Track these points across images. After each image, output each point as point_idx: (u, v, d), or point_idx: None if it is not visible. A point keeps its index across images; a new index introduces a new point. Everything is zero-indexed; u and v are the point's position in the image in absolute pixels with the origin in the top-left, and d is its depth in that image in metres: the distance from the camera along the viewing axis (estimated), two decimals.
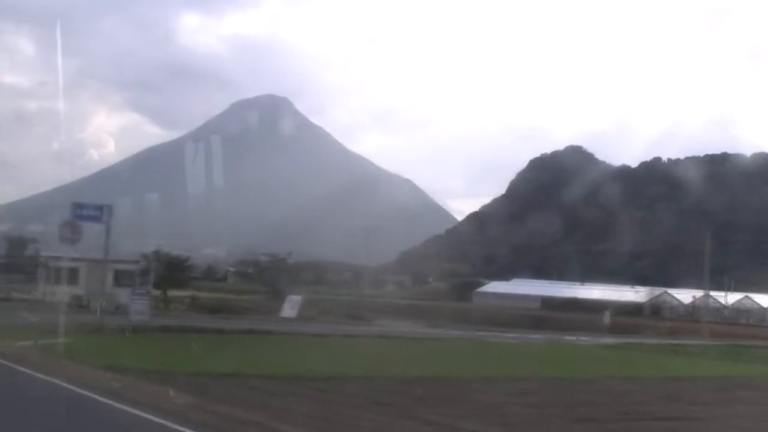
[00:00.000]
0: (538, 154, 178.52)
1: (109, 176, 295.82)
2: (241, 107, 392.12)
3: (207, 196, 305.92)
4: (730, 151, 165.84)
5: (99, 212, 29.79)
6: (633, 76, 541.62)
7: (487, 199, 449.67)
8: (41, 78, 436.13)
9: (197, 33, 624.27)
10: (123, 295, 36.07)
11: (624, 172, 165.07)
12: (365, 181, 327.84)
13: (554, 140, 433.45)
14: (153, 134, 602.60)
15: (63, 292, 35.54)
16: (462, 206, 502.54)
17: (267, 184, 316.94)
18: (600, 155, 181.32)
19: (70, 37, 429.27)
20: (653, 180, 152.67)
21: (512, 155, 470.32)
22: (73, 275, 40.88)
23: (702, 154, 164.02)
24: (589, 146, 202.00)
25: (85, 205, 30.63)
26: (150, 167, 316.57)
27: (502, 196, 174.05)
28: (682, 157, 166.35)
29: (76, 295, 38.81)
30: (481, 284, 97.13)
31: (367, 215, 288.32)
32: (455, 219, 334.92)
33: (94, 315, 30.01)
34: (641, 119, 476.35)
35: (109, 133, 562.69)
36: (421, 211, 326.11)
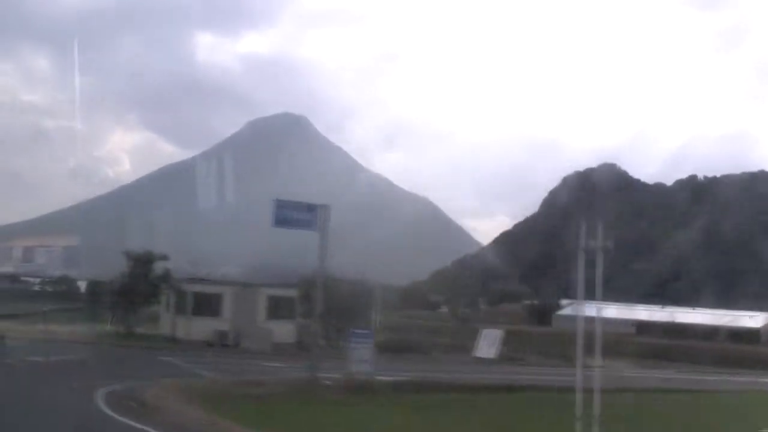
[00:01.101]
0: (556, 173, 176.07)
1: (124, 194, 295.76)
2: (258, 125, 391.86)
3: (222, 214, 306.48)
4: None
5: (309, 214, 21.91)
6: (659, 90, 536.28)
7: (503, 218, 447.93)
8: (58, 96, 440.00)
9: (213, 52, 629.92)
10: (280, 329, 29.83)
11: (660, 190, 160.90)
12: (382, 199, 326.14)
13: (572, 158, 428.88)
14: (168, 152, 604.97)
15: (203, 326, 28.89)
16: (476, 224, 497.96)
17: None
18: (634, 172, 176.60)
19: (87, 56, 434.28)
20: (690, 197, 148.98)
21: (529, 174, 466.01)
22: (214, 303, 31.73)
23: (739, 171, 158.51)
24: (615, 161, 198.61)
25: (289, 204, 21.84)
26: (165, 185, 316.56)
27: (536, 214, 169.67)
28: (718, 174, 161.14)
29: (219, 331, 30.09)
30: (558, 307, 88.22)
31: (384, 234, 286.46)
32: (470, 237, 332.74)
33: (250, 355, 24.32)
34: (671, 134, 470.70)
35: (124, 151, 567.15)
36: (437, 230, 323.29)
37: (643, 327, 70.07)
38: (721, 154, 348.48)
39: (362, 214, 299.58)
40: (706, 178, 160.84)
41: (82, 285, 67.99)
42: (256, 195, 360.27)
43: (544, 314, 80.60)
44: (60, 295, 60.48)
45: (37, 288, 70.72)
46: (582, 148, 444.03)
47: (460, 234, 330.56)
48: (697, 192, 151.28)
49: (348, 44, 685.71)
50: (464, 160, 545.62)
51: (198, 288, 31.52)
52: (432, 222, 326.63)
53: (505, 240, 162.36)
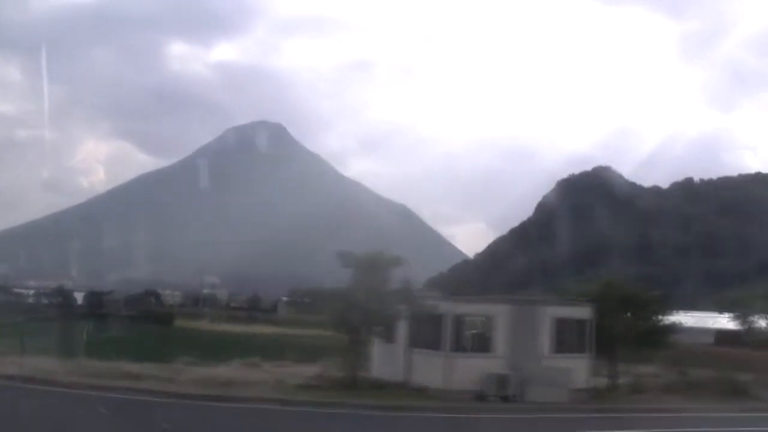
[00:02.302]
0: (532, 180, 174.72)
1: (99, 204, 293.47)
2: (235, 133, 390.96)
3: (199, 222, 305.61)
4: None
5: None
6: (629, 96, 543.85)
7: (480, 225, 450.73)
8: (30, 106, 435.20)
9: (186, 61, 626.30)
10: (574, 367, 19.63)
11: (657, 193, 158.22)
12: (359, 205, 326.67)
13: (548, 166, 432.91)
14: (142, 162, 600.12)
15: (466, 368, 18.90)
16: (452, 231, 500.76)
17: (262, 210, 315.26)
18: (630, 176, 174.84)
19: (59, 66, 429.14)
20: (687, 201, 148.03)
21: (506, 181, 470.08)
22: (483, 334, 21.09)
23: (736, 174, 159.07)
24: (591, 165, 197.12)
25: None
26: (141, 195, 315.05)
27: (530, 219, 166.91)
28: (714, 177, 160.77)
29: (495, 375, 19.25)
30: None
31: (361, 239, 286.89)
32: (448, 242, 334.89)
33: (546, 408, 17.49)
34: (646, 138, 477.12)
35: (98, 161, 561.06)
36: (414, 236, 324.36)
37: (722, 336, 58.75)
38: (699, 155, 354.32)
39: (339, 218, 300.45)
40: (702, 180, 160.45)
41: (79, 296, 68.39)
42: (233, 202, 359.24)
43: None
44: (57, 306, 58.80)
45: (31, 300, 69.52)
46: (558, 155, 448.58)
47: (436, 240, 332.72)
48: (694, 194, 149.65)
49: (322, 52, 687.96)
50: (439, 168, 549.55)
51: (461, 309, 20.83)
52: (409, 228, 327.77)
53: (498, 247, 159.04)
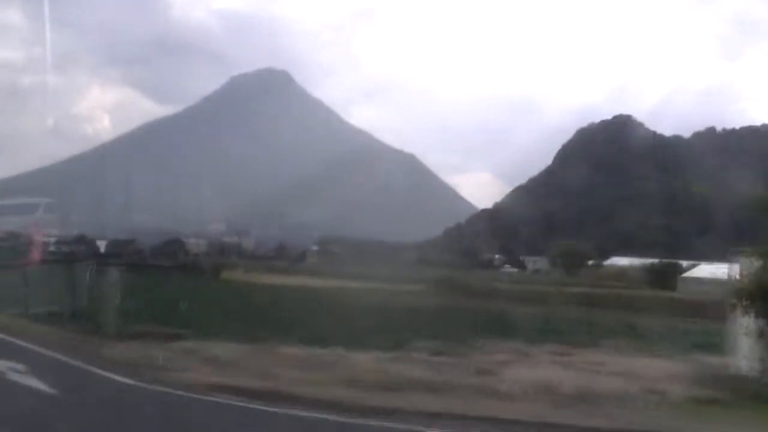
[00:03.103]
0: (535, 131, 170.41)
1: (104, 152, 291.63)
2: (240, 81, 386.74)
3: (204, 170, 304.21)
4: None
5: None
6: (634, 48, 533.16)
7: (485, 175, 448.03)
8: (34, 52, 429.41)
9: (189, 7, 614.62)
10: None
11: (678, 143, 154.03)
12: (367, 155, 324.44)
13: (552, 112, 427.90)
14: (148, 109, 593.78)
15: None
16: (457, 180, 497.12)
17: (266, 158, 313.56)
18: (649, 124, 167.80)
19: (62, 11, 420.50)
20: (711, 151, 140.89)
21: (509, 131, 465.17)
22: None
23: (759, 123, 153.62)
24: (597, 117, 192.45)
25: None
26: (147, 142, 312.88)
27: (547, 169, 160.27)
28: (737, 126, 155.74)
29: None
30: (682, 268, 72.10)
31: (368, 189, 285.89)
32: (456, 193, 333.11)
33: None
34: (650, 90, 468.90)
35: (103, 109, 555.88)
36: (421, 186, 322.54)
37: None
38: (702, 108, 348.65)
39: (344, 167, 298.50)
40: (725, 130, 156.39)
41: (101, 245, 66.28)
42: (238, 150, 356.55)
43: (666, 276, 67.59)
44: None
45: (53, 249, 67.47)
46: (564, 106, 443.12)
47: (443, 190, 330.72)
48: (718, 144, 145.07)
49: (324, 1, 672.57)
50: (443, 118, 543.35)
51: None
52: (416, 178, 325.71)
53: (520, 195, 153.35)
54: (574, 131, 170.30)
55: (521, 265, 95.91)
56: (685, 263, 74.09)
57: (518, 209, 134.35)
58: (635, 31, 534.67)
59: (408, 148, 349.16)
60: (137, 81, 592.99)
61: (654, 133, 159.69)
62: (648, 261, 72.21)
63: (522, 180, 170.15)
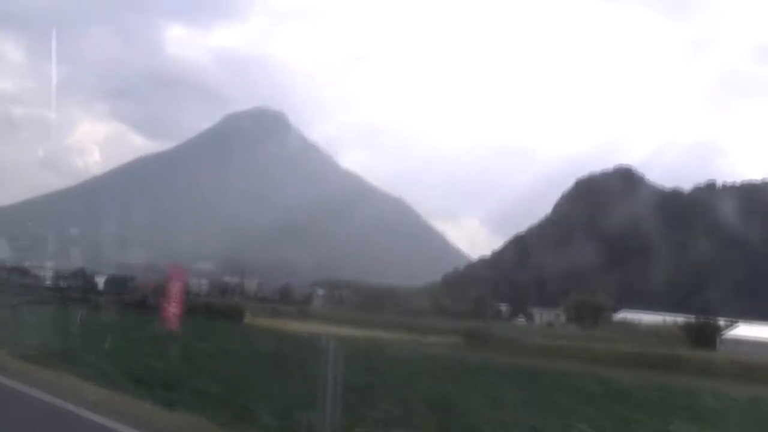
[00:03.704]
0: (526, 178, 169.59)
1: (95, 185, 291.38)
2: (235, 119, 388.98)
3: (195, 208, 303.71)
4: None
5: None
6: (626, 98, 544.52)
7: (472, 222, 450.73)
8: (28, 84, 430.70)
9: (184, 45, 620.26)
10: None
11: (676, 198, 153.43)
12: (356, 197, 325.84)
13: (542, 161, 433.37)
14: (139, 145, 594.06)
15: None
16: (445, 227, 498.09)
17: (258, 198, 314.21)
18: (652, 177, 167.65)
19: (57, 44, 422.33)
20: (709, 206, 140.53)
21: (498, 178, 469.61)
22: None
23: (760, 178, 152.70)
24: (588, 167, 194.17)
25: None
26: (137, 177, 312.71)
27: (547, 219, 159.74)
28: (738, 181, 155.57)
29: None
30: (721, 327, 67.34)
31: (356, 232, 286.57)
32: (443, 238, 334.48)
33: None
34: (639, 143, 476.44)
35: (94, 142, 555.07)
36: (410, 230, 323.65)
37: None
38: (690, 161, 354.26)
39: (333, 209, 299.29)
40: (725, 184, 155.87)
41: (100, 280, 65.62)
42: (229, 189, 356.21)
43: (705, 336, 61.63)
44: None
45: (49, 283, 65.81)
46: (554, 155, 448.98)
47: (430, 234, 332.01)
48: (716, 197, 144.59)
49: (320, 43, 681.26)
50: (433, 163, 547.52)
51: None
52: (404, 222, 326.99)
53: (519, 243, 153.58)
54: (573, 181, 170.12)
55: (529, 316, 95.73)
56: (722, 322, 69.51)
57: (517, 258, 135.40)
58: (626, 81, 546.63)
59: (396, 192, 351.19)
60: (129, 116, 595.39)
61: (655, 185, 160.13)
62: (659, 316, 71.69)
63: (509, 227, 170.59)
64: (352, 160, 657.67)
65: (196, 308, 45.40)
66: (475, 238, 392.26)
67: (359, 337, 36.47)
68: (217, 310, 45.38)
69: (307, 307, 78.85)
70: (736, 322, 70.39)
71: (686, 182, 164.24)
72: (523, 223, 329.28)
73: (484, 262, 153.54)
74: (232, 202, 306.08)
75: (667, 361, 37.96)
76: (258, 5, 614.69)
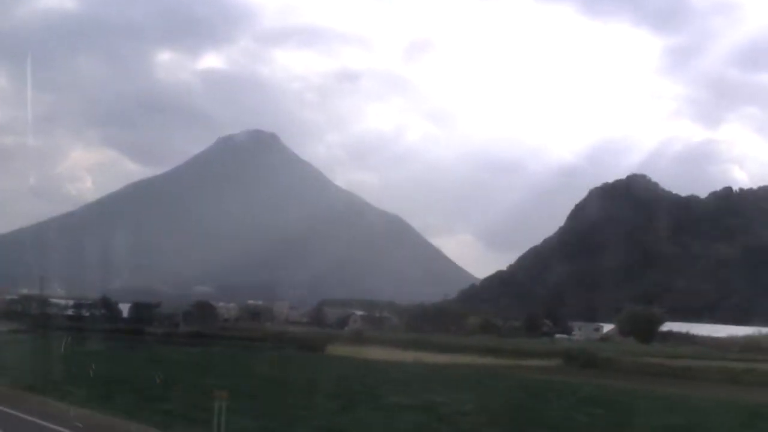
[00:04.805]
0: (518, 191, 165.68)
1: (88, 212, 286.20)
2: (228, 142, 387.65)
3: (191, 231, 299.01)
4: None
5: None
6: (613, 108, 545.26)
7: (466, 237, 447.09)
8: (16, 113, 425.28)
9: (173, 69, 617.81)
10: None
11: (693, 204, 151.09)
12: (352, 215, 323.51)
13: (531, 175, 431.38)
14: (131, 170, 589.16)
15: None
16: (441, 242, 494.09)
17: (255, 219, 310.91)
18: (666, 184, 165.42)
19: (45, 73, 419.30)
20: (726, 212, 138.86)
21: (491, 192, 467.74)
22: None
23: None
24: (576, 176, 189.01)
25: None
26: (130, 203, 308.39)
27: (561, 229, 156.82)
28: (755, 186, 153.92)
29: None
30: None
31: (354, 248, 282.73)
32: (441, 253, 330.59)
33: None
34: (628, 151, 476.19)
35: (85, 169, 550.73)
36: (409, 246, 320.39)
37: None
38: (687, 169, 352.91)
39: (332, 229, 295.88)
40: (741, 190, 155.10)
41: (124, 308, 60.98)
42: (223, 211, 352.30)
43: None
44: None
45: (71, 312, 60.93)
46: (543, 167, 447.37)
47: (427, 250, 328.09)
48: (734, 205, 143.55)
49: (308, 63, 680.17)
50: (425, 178, 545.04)
51: None
52: (401, 239, 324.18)
53: (533, 257, 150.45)
54: (587, 191, 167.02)
55: (568, 331, 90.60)
56: None
57: (534, 272, 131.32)
58: (616, 90, 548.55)
59: (390, 209, 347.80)
60: (120, 142, 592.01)
61: (668, 192, 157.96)
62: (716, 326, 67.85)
63: (503, 241, 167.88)
64: (345, 178, 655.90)
65: (260, 338, 39.39)
66: (471, 253, 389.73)
67: (451, 363, 32.66)
68: (289, 340, 39.69)
69: (341, 329, 74.15)
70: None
71: (682, 190, 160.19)
72: (516, 237, 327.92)
73: (499, 276, 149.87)
74: (227, 224, 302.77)
75: None
76: (244, 28, 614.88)
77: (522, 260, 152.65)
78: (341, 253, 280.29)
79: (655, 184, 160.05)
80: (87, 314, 59.81)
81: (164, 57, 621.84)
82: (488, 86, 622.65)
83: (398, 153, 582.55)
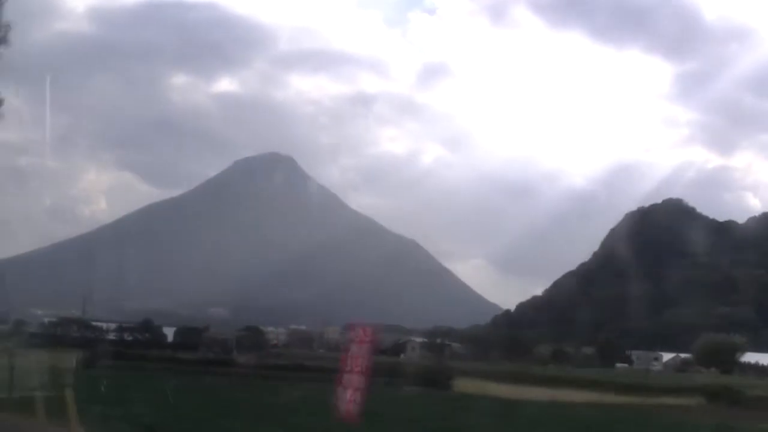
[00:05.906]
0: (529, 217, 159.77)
1: (103, 234, 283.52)
2: (244, 165, 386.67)
3: (205, 253, 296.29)
4: None
5: None
6: (626, 132, 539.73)
7: (478, 261, 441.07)
8: (32, 135, 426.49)
9: (188, 92, 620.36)
10: None
11: (732, 228, 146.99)
12: (368, 238, 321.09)
13: (543, 199, 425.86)
14: (145, 193, 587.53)
15: None
16: (455, 266, 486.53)
17: (271, 242, 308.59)
18: (702, 209, 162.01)
19: (61, 95, 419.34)
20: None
21: (501, 217, 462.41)
22: None
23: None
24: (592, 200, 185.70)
25: None
26: (144, 226, 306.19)
27: (596, 254, 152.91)
28: None
29: None
30: None
31: (371, 273, 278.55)
32: (456, 278, 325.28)
33: None
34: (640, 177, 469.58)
35: (100, 191, 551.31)
36: (425, 271, 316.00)
37: None
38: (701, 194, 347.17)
39: (348, 252, 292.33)
40: None
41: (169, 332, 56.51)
42: (238, 233, 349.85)
43: None
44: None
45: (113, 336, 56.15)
46: (552, 192, 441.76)
47: (443, 275, 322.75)
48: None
49: (322, 86, 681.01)
50: (436, 203, 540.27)
51: None
52: (418, 263, 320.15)
53: (570, 282, 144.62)
54: (622, 215, 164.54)
55: (628, 360, 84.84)
56: None
57: (575, 297, 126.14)
58: (629, 116, 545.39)
59: (406, 233, 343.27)
60: (135, 164, 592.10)
61: (705, 217, 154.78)
62: None
63: (515, 266, 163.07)
64: (360, 202, 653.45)
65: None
66: (485, 278, 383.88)
67: (593, 402, 27.67)
68: (409, 374, 33.17)
69: (397, 357, 67.89)
70: None
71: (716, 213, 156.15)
72: (529, 262, 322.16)
73: (534, 302, 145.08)
74: (241, 246, 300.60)
75: None
76: (259, 51, 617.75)
77: (558, 286, 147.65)
78: (356, 276, 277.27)
79: (692, 209, 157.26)
80: (130, 338, 55.10)
81: (179, 80, 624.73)
82: (501, 111, 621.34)
83: (412, 177, 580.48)
